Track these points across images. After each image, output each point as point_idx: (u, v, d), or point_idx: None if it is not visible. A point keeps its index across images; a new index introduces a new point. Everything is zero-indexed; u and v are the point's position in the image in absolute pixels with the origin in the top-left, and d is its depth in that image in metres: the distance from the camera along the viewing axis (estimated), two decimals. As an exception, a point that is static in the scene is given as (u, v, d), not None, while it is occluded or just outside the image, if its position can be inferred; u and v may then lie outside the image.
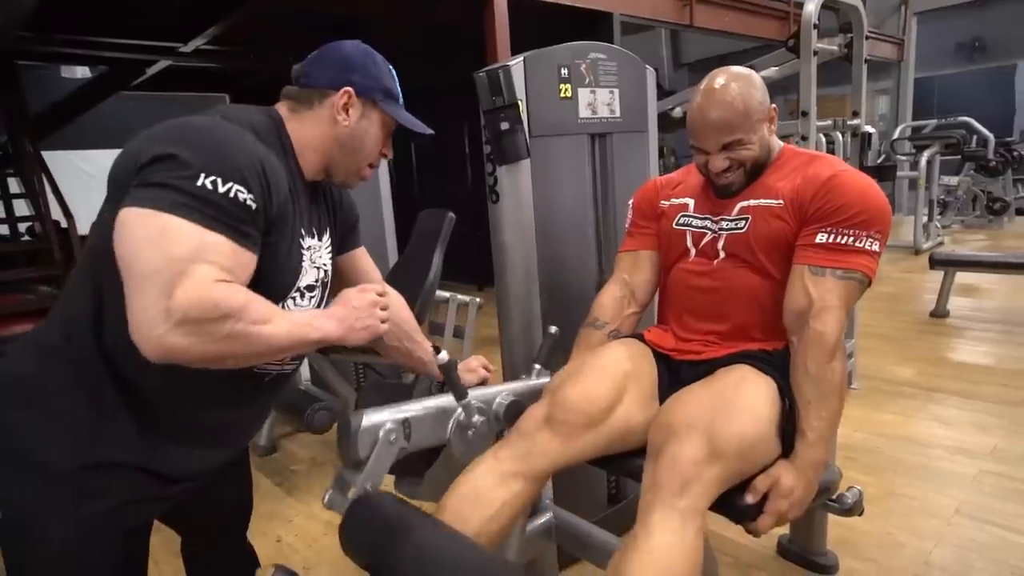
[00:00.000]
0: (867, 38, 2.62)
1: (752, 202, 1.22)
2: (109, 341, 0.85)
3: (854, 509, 1.23)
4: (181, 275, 0.72)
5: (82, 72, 6.26)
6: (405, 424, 1.12)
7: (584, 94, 1.66)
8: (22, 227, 4.62)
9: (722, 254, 1.24)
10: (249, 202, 0.79)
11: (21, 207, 4.46)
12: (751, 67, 3.36)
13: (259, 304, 0.80)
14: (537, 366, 1.45)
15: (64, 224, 3.77)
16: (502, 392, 1.33)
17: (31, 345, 0.90)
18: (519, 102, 1.52)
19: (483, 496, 1.07)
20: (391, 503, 0.99)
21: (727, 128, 1.16)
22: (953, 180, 7.01)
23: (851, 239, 1.10)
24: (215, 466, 1.04)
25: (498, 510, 1.06)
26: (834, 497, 1.20)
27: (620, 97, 1.75)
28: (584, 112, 1.67)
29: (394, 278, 2.42)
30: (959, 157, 6.34)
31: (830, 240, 1.11)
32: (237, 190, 0.78)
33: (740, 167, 1.20)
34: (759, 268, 1.20)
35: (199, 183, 0.75)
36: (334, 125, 0.98)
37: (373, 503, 1.00)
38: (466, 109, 3.13)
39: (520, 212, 1.59)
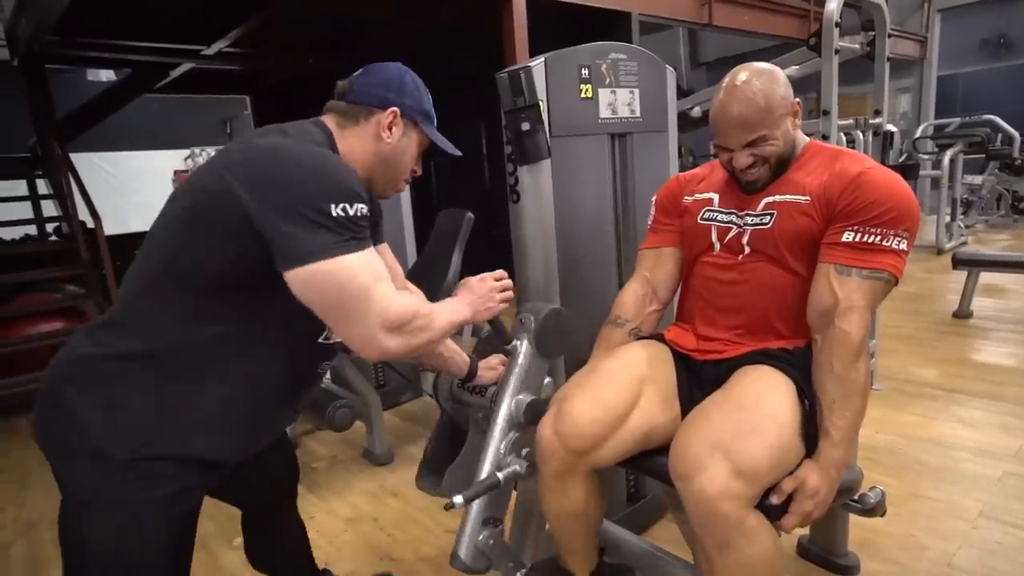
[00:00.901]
0: (889, 36, 2.59)
1: (778, 198, 1.21)
2: (200, 355, 0.93)
3: (876, 509, 1.23)
4: (374, 299, 0.89)
5: (107, 75, 6.39)
6: (494, 522, 1.22)
7: (604, 94, 1.67)
8: (49, 227, 4.73)
9: (747, 249, 1.24)
10: (367, 211, 0.91)
11: (48, 208, 4.56)
12: (771, 66, 3.35)
13: (421, 300, 1.05)
14: (547, 379, 1.43)
15: (91, 224, 3.84)
16: (511, 398, 1.34)
17: (105, 346, 0.93)
18: (540, 102, 1.53)
19: (562, 508, 1.23)
20: None
21: (750, 124, 1.15)
22: (977, 179, 6.89)
23: (878, 238, 1.09)
24: (259, 450, 1.12)
25: (580, 508, 1.22)
26: (856, 497, 1.20)
27: (640, 97, 1.76)
28: (604, 112, 1.68)
29: (413, 278, 2.42)
30: (983, 156, 6.23)
31: (857, 239, 1.10)
32: (359, 208, 0.89)
33: (764, 163, 1.20)
34: (783, 264, 1.20)
35: (334, 213, 0.86)
36: (378, 141, 1.07)
37: None
38: (483, 108, 3.14)
39: (540, 212, 1.60)
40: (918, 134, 6.68)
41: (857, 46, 2.59)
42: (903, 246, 1.10)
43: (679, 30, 8.02)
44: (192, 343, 0.93)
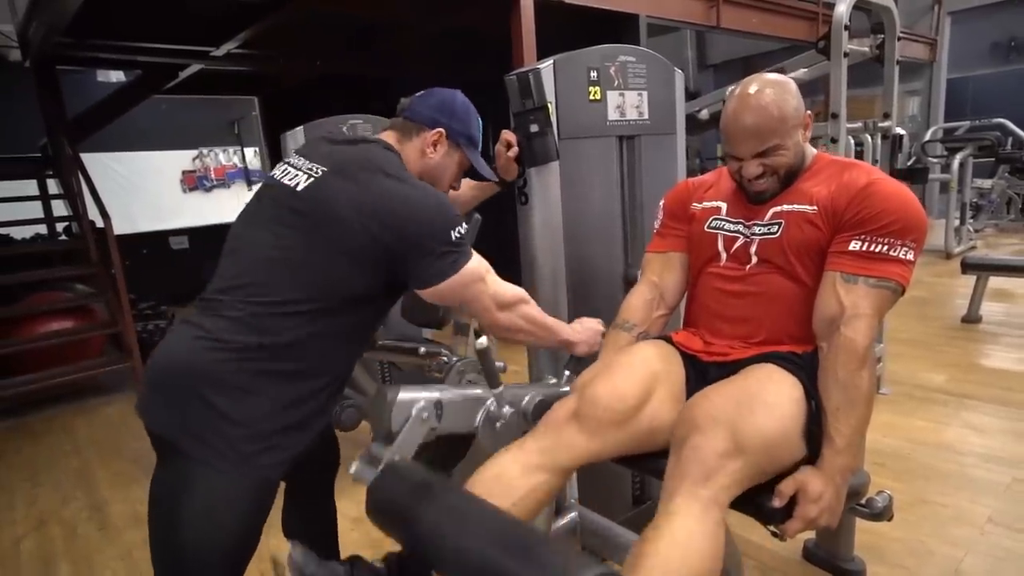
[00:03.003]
0: (899, 38, 2.58)
1: (785, 207, 1.21)
2: (318, 358, 1.09)
3: (883, 514, 1.23)
4: (488, 287, 1.18)
5: (117, 76, 6.44)
6: (438, 405, 1.17)
7: (613, 96, 1.67)
8: (59, 227, 4.77)
9: (754, 259, 1.24)
10: (466, 225, 1.13)
11: (59, 207, 4.60)
12: (780, 69, 3.35)
13: (528, 297, 1.28)
14: (567, 372, 1.48)
15: (100, 224, 3.87)
16: (532, 392, 1.37)
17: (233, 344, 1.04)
18: (548, 104, 1.54)
19: (507, 483, 1.09)
20: (419, 472, 1.01)
21: (762, 135, 1.15)
22: (987, 183, 6.84)
23: (885, 247, 1.09)
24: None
25: (521, 498, 1.08)
26: (863, 501, 1.20)
27: (649, 99, 1.76)
28: (613, 115, 1.68)
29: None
30: (993, 159, 6.19)
31: (864, 248, 1.10)
32: (463, 226, 1.12)
33: (774, 174, 1.20)
34: (791, 274, 1.20)
35: (452, 239, 1.09)
36: (423, 156, 1.25)
37: (401, 472, 1.03)
38: (490, 111, 3.15)
39: (549, 214, 1.61)
40: (927, 137, 6.65)
41: (866, 49, 2.58)
42: (910, 256, 1.10)
43: (686, 32, 8.02)
44: (315, 349, 1.07)
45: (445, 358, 2.48)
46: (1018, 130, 6.02)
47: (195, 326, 1.06)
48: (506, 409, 1.28)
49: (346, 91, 4.72)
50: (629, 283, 1.78)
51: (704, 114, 3.39)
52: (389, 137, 1.24)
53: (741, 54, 8.16)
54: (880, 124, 2.61)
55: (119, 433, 3.30)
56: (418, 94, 1.28)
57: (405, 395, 1.13)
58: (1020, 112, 6.76)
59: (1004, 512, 1.92)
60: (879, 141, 2.71)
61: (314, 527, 1.55)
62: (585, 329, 1.42)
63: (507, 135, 1.53)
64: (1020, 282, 4.52)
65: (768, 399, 1.04)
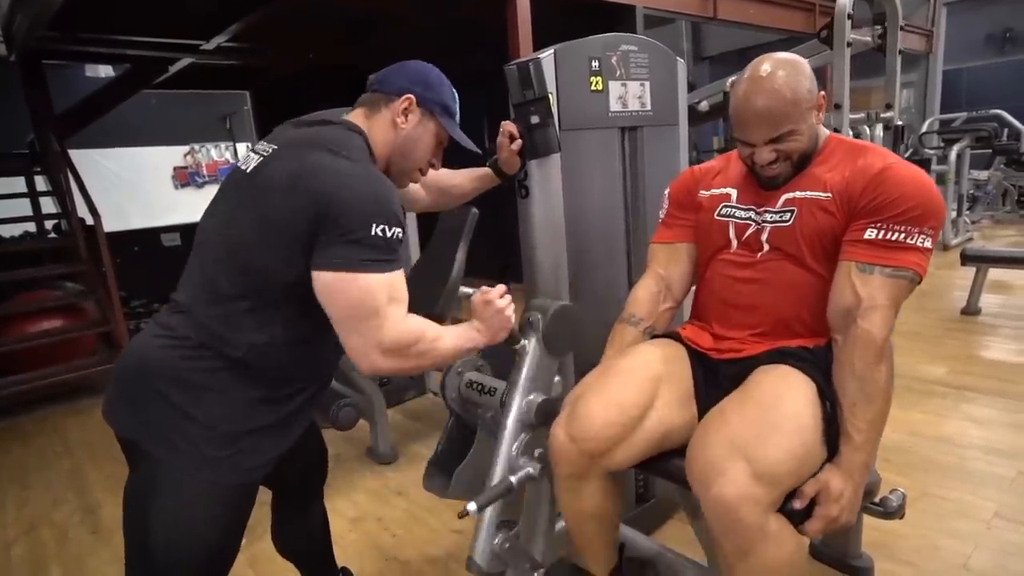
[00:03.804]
0: (916, 28, 2.55)
1: (798, 194, 1.18)
2: (283, 355, 1.03)
3: (897, 512, 1.20)
4: (382, 319, 0.97)
5: (105, 71, 6.35)
6: (508, 524, 1.22)
7: (615, 87, 1.64)
8: (48, 224, 4.70)
9: (766, 247, 1.21)
10: (401, 235, 0.98)
11: (47, 205, 4.53)
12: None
13: (432, 327, 1.07)
14: (557, 379, 1.44)
15: (90, 221, 3.81)
16: (526, 397, 1.34)
17: (193, 344, 1.00)
18: (549, 95, 1.50)
19: (577, 509, 1.20)
20: None
21: (775, 118, 1.11)
22: (983, 174, 6.84)
23: (902, 235, 1.06)
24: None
25: (595, 509, 1.20)
26: (877, 500, 1.17)
27: (651, 90, 1.72)
28: (615, 105, 1.65)
29: (417, 275, 2.42)
30: (990, 151, 6.19)
31: (880, 236, 1.07)
32: (396, 231, 0.96)
33: (787, 159, 1.16)
34: (803, 262, 1.17)
35: (372, 233, 0.93)
36: (394, 128, 1.13)
37: None
38: (486, 103, 3.11)
39: (550, 207, 1.58)
40: (924, 129, 6.64)
41: (868, 39, 2.55)
42: (927, 244, 1.07)
43: (682, 24, 7.98)
44: (277, 349, 1.01)
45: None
46: (1015, 121, 6.02)
47: (160, 325, 1.04)
48: (524, 462, 1.27)
49: (341, 84, 4.64)
50: (632, 276, 1.75)
51: (704, 106, 3.35)
52: (357, 116, 1.13)
53: (737, 46, 8.13)
54: (883, 115, 2.59)
55: (112, 434, 3.24)
56: (388, 68, 1.17)
57: (482, 549, 1.18)
58: (1014, 103, 6.77)
59: (1010, 506, 1.91)
60: (880, 132, 2.68)
61: (305, 539, 1.50)
62: (487, 320, 1.20)
63: (509, 126, 1.49)
64: (1018, 274, 4.52)
65: (787, 411, 1.01)
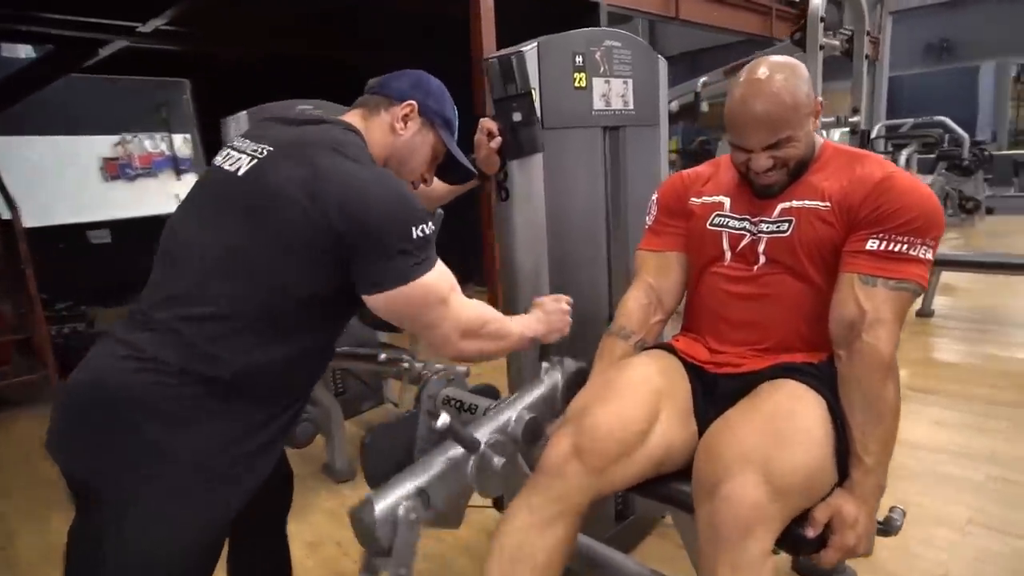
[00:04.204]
0: (867, 34, 2.60)
1: (795, 203, 1.16)
2: (275, 375, 0.97)
3: (897, 530, 1.18)
4: (449, 307, 1.03)
5: (26, 51, 5.90)
6: (422, 495, 1.04)
7: (599, 84, 1.58)
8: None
9: (762, 259, 1.18)
10: (432, 226, 0.99)
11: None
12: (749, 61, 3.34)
13: (491, 308, 1.14)
14: (545, 365, 1.38)
15: (7, 215, 3.51)
16: (516, 409, 1.26)
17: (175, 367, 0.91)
18: (533, 91, 1.43)
19: (528, 553, 1.02)
20: None
21: (774, 124, 1.08)
22: (927, 179, 7.17)
23: (905, 246, 1.04)
24: None
25: (545, 562, 1.00)
26: (880, 519, 1.15)
27: (634, 88, 1.68)
28: (598, 103, 1.60)
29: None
30: (933, 156, 6.48)
31: (882, 247, 1.05)
32: (430, 225, 0.98)
33: (783, 166, 1.14)
34: (802, 274, 1.14)
35: (415, 237, 0.95)
36: (392, 133, 1.12)
37: None
38: (456, 101, 3.02)
39: (532, 210, 1.52)
40: (874, 134, 6.90)
41: (837, 43, 2.59)
42: (928, 255, 1.06)
43: (639, 23, 8.05)
44: (272, 371, 0.95)
45: (407, 364, 2.38)
46: (958, 128, 6.33)
47: (124, 344, 0.91)
48: (496, 460, 1.14)
49: (293, 74, 4.46)
50: (612, 281, 1.72)
51: (674, 106, 3.35)
52: (353, 117, 1.12)
53: (695, 47, 8.26)
54: (850, 119, 2.63)
55: (32, 454, 2.96)
56: (392, 73, 1.17)
57: (383, 505, 0.99)
58: (950, 110, 7.11)
59: (983, 511, 1.95)
60: (836, 135, 2.73)
61: (264, 571, 1.40)
62: (549, 316, 1.29)
63: (488, 123, 1.41)
64: (962, 276, 4.73)
65: (799, 425, 0.97)
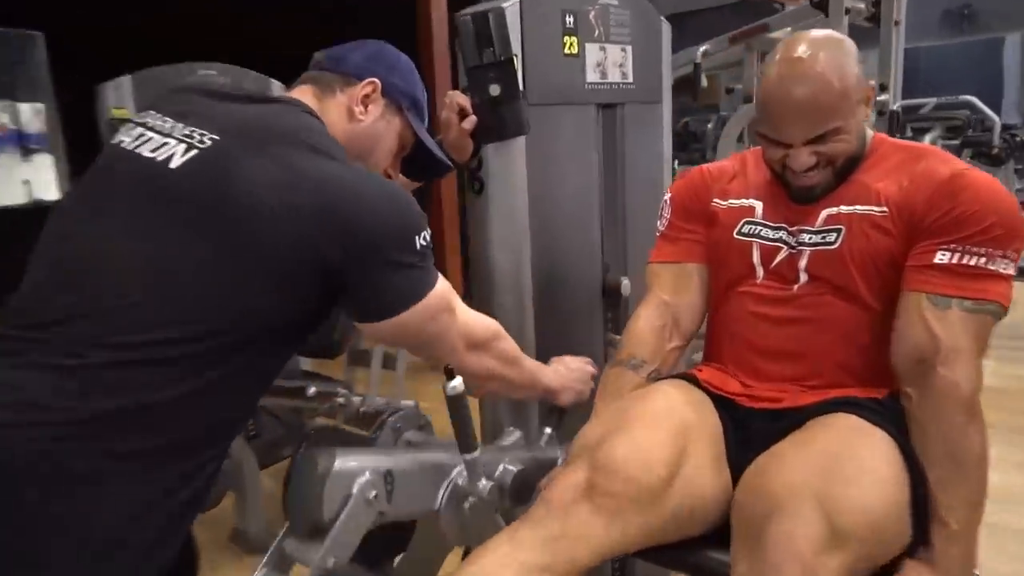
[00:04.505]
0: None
1: (844, 209, 1.17)
2: (209, 429, 0.95)
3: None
4: (455, 314, 1.07)
5: None
6: (388, 478, 1.04)
7: (592, 51, 1.59)
8: None
9: (803, 276, 1.19)
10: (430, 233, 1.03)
11: None
12: (763, 27, 3.42)
13: (502, 329, 1.20)
14: (547, 431, 1.40)
15: None
16: (505, 459, 1.26)
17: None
18: (515, 57, 1.41)
19: None
20: None
21: (820, 114, 1.09)
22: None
23: (982, 259, 1.05)
24: None
25: None
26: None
27: (633, 57, 1.70)
28: (592, 75, 1.60)
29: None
30: (958, 142, 6.77)
31: (955, 261, 1.06)
32: (429, 231, 1.01)
33: (828, 164, 1.15)
34: (854, 295, 1.15)
35: (418, 247, 0.97)
36: (350, 118, 1.11)
37: None
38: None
39: (512, 206, 1.51)
40: (891, 115, 7.17)
41: (863, 5, 2.67)
42: (1010, 270, 1.07)
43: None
44: (207, 409, 0.93)
45: (342, 400, 2.32)
46: (987, 109, 6.64)
47: None
48: (482, 483, 1.16)
49: (183, 31, 4.34)
50: (609, 292, 1.73)
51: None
52: (305, 96, 1.10)
53: (689, 7, 8.40)
54: (878, 98, 2.72)
55: None
56: (344, 44, 1.17)
57: (343, 464, 0.99)
58: (970, 88, 7.42)
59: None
60: (873, 118, 2.82)
61: None
62: (570, 372, 1.37)
63: (459, 98, 1.39)
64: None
65: (863, 464, 0.98)
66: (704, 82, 3.56)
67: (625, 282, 1.69)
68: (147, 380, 0.86)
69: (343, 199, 0.92)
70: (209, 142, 0.93)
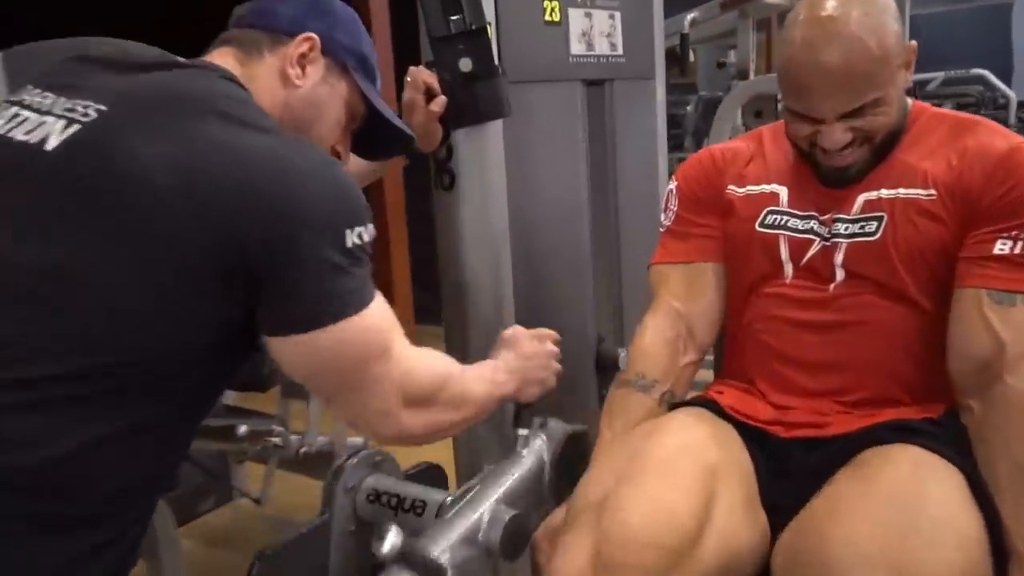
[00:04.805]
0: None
1: (886, 193, 1.17)
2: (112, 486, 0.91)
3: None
4: (392, 357, 0.98)
5: None
6: None
7: (577, 18, 1.62)
8: None
9: (840, 274, 1.19)
10: (374, 231, 0.95)
11: None
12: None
13: (450, 360, 1.14)
14: (522, 433, 1.34)
15: None
16: (487, 506, 1.21)
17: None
18: (488, 26, 1.40)
19: None
20: None
21: (857, 83, 1.08)
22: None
23: None
24: None
25: None
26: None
27: (622, 24, 1.73)
28: (577, 46, 1.63)
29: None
30: (970, 121, 6.99)
31: (1019, 250, 1.08)
32: (370, 228, 0.93)
33: (866, 141, 1.15)
34: (901, 294, 1.16)
35: (349, 244, 0.89)
36: (284, 84, 1.06)
37: None
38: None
39: (488, 201, 1.51)
40: (899, 92, 7.36)
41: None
42: None
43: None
44: (108, 466, 0.88)
45: (278, 440, 2.28)
46: (1001, 85, 6.87)
47: None
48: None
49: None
50: (598, 295, 1.77)
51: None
52: (223, 59, 1.04)
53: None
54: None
55: None
56: None
57: None
58: (976, 60, 7.66)
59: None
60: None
61: None
62: (527, 360, 1.26)
63: (424, 75, 1.38)
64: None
65: (937, 512, 0.96)
66: (692, 55, 3.60)
67: (622, 355, 1.68)
68: (23, 431, 0.82)
69: (261, 176, 0.86)
70: (94, 114, 0.89)
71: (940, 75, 7.18)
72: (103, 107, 0.89)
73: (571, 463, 1.31)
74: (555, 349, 1.31)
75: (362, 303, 0.92)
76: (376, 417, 1.01)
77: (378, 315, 0.95)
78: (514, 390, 1.24)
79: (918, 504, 0.98)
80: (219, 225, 0.84)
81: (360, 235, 0.90)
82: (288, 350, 0.92)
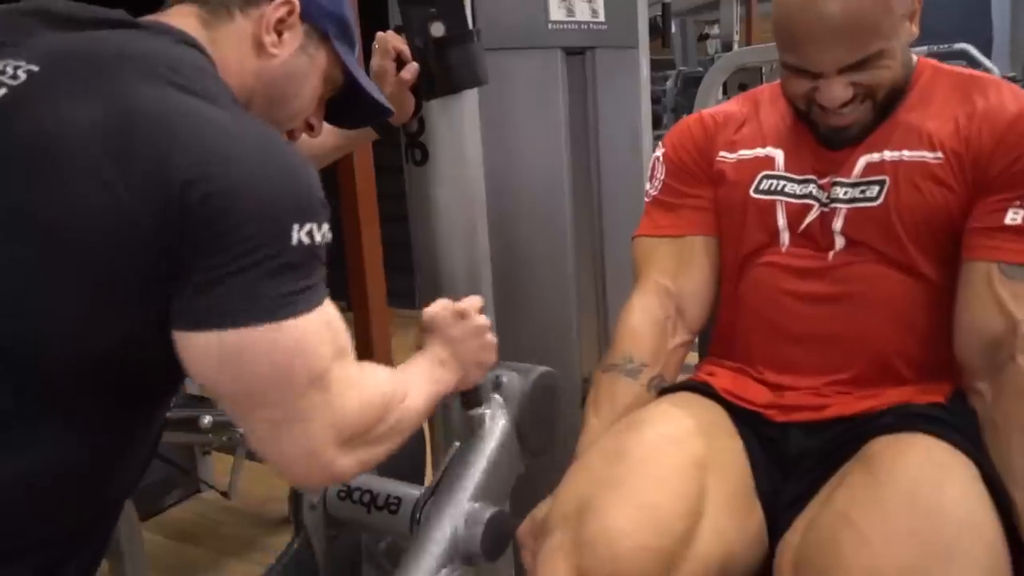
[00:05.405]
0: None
1: (889, 155, 1.15)
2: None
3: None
4: (329, 388, 0.85)
5: None
6: None
7: (558, -20, 1.60)
8: None
9: (840, 241, 1.17)
10: (330, 235, 0.86)
11: None
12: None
13: (393, 376, 1.02)
14: (474, 412, 1.28)
15: None
16: (461, 505, 1.20)
17: None
18: (463, -13, 1.38)
19: None
20: None
21: (858, 34, 1.05)
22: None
23: None
24: None
25: None
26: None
27: (604, -11, 1.72)
28: (556, 12, 1.61)
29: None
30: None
31: None
32: (325, 230, 0.83)
33: (868, 98, 1.12)
34: (904, 264, 1.14)
35: (294, 242, 0.79)
36: (257, 53, 0.98)
37: None
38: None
39: (463, 177, 1.48)
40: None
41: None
42: None
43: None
44: (40, 473, 0.82)
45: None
46: (985, 60, 6.89)
47: None
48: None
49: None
50: (580, 277, 1.76)
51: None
52: (183, 20, 0.95)
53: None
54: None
55: None
56: None
57: None
58: (954, 33, 7.71)
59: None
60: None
61: None
62: (461, 343, 1.15)
63: (394, 40, 1.32)
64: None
65: (959, 517, 0.93)
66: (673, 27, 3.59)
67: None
68: None
69: (194, 146, 0.78)
70: (24, 75, 0.81)
71: (923, 49, 7.23)
72: (35, 68, 0.82)
73: (540, 412, 1.30)
74: (483, 320, 1.17)
75: (295, 311, 0.81)
76: (302, 459, 0.86)
77: (317, 330, 0.84)
78: (455, 381, 1.13)
79: (937, 508, 0.94)
80: (139, 203, 0.76)
81: (310, 233, 0.81)
82: (199, 349, 0.80)
